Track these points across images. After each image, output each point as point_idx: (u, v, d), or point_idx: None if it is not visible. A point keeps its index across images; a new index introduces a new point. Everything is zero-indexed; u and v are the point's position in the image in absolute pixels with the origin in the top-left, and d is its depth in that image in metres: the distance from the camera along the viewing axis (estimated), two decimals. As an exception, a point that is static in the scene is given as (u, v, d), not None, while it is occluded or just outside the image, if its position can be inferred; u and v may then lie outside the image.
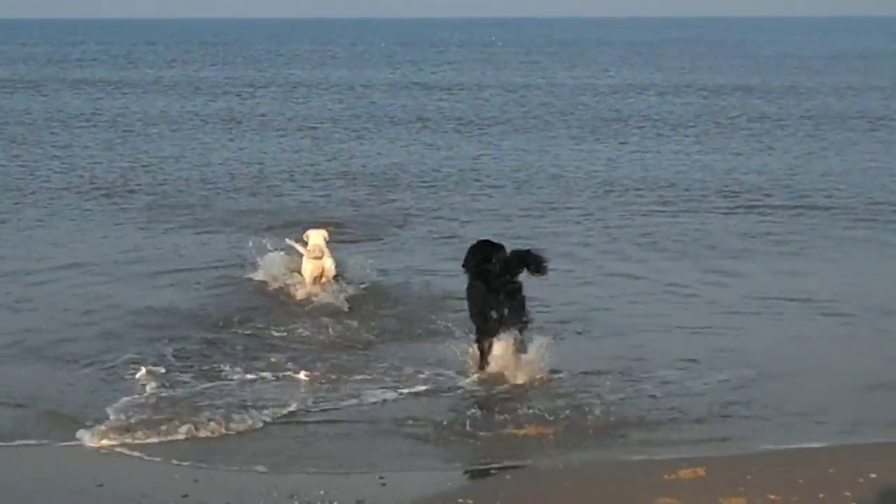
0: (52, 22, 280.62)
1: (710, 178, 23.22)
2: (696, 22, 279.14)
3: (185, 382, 10.39)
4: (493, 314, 10.33)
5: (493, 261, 10.42)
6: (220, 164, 25.97)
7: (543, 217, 19.38)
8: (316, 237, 14.14)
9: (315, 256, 14.07)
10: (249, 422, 9.35)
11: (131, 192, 21.86)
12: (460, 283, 11.11)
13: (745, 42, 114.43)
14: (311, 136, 31.54)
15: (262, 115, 37.74)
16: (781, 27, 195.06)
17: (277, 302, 13.57)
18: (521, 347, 10.39)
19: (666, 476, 8.11)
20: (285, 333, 12.18)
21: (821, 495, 7.76)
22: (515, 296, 10.35)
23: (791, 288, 14.29)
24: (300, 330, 12.27)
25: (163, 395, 10.02)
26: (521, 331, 10.37)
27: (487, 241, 10.85)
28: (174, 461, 8.60)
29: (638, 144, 29.40)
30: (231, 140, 30.90)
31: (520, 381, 10.29)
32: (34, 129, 33.26)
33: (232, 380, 10.49)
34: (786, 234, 17.79)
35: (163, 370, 10.68)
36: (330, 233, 14.54)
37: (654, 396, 10.15)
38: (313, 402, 9.89)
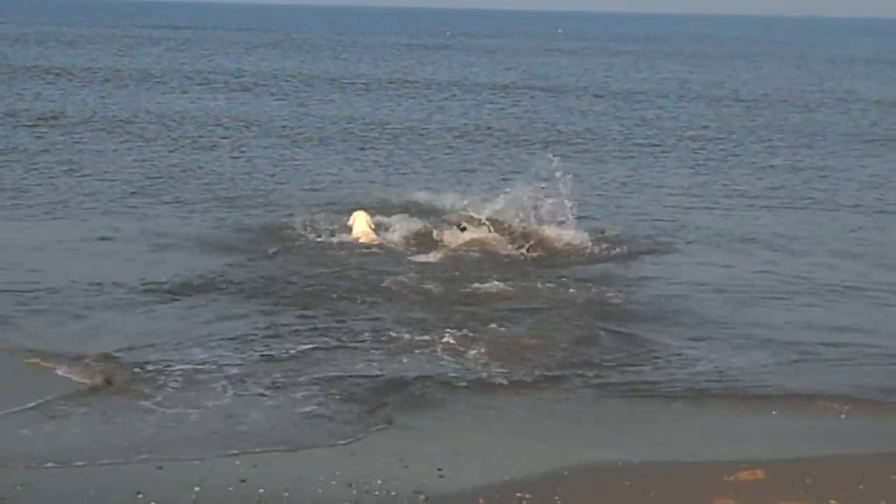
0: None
1: None
2: (697, 21, 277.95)
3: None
4: None
5: None
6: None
7: None
8: (360, 219, 15.89)
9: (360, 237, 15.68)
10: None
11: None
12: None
13: (810, 44, 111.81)
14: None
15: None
16: (794, 27, 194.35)
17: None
18: None
19: (725, 477, 8.11)
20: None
21: (882, 502, 7.76)
22: None
23: None
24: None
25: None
26: None
27: None
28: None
29: None
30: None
31: None
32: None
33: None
34: None
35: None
36: (370, 213, 16.17)
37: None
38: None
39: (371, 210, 16.92)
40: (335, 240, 15.98)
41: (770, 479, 8.08)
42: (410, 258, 15.24)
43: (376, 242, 15.78)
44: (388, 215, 17.22)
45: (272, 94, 42.35)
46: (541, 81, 52.26)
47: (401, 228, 16.54)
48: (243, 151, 26.37)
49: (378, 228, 16.24)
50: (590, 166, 25.14)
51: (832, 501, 7.74)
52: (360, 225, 15.91)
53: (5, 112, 32.14)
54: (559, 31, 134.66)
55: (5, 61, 53.14)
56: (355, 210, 16.52)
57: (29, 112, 32.40)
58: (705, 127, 33.94)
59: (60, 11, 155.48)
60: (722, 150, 28.69)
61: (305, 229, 16.44)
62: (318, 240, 16.04)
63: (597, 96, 44.19)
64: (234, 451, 8.52)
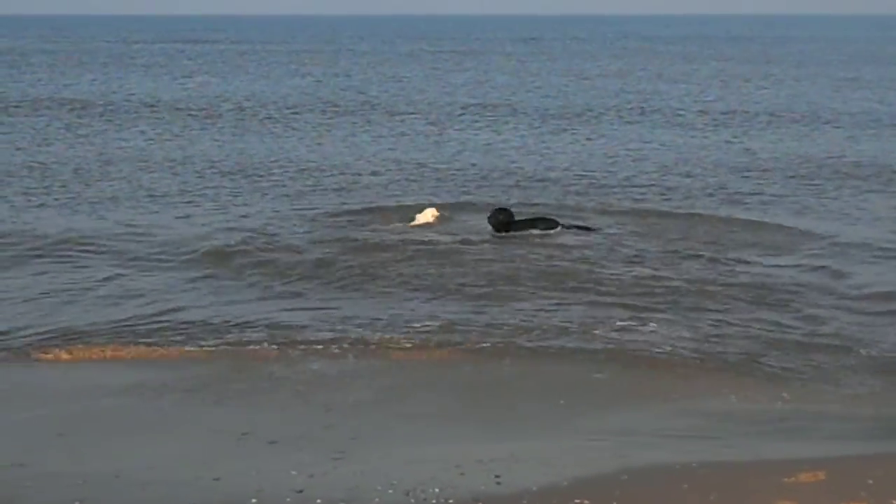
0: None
1: None
2: (695, 20, 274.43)
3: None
4: None
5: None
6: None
7: None
8: (425, 216, 18.04)
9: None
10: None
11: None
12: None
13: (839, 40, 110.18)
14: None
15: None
16: (793, 24, 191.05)
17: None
18: None
19: (785, 479, 8.03)
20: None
21: (941, 500, 7.64)
22: None
23: None
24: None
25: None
26: None
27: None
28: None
29: None
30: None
31: None
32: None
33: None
34: None
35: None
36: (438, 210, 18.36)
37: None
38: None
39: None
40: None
41: (831, 479, 7.98)
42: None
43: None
44: None
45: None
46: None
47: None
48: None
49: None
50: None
51: (894, 501, 7.63)
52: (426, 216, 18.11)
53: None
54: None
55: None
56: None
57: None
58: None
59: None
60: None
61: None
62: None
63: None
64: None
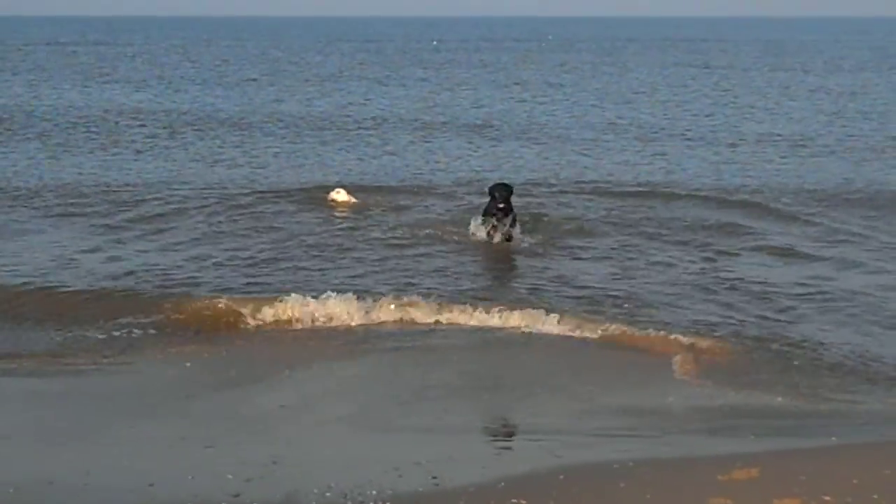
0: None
1: None
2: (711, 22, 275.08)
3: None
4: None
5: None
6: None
7: None
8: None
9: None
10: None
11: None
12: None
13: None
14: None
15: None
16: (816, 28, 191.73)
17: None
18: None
19: (720, 476, 8.10)
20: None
21: (874, 496, 7.76)
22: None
23: None
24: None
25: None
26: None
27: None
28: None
29: None
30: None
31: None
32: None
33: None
34: None
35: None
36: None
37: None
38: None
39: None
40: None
41: (765, 476, 8.07)
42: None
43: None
44: None
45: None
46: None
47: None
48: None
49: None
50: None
51: (826, 497, 7.73)
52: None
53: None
54: (549, 36, 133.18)
55: None
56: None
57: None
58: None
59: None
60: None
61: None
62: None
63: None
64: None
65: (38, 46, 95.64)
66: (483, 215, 16.79)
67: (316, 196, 20.33)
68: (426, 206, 19.81)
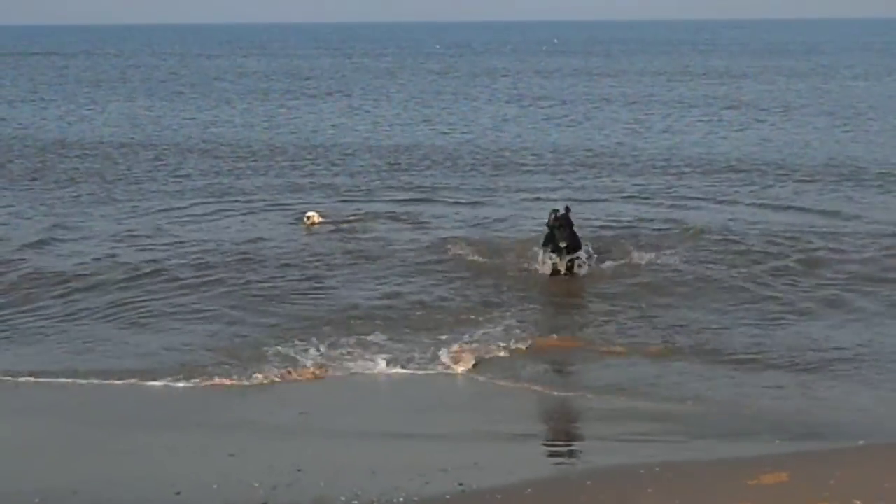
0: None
1: None
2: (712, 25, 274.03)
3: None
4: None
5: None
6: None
7: None
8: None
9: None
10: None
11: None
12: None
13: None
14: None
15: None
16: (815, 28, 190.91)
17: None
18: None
19: (748, 481, 8.05)
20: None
21: (902, 499, 7.70)
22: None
23: None
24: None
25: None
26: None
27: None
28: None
29: None
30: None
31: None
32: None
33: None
34: None
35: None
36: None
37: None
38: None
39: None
40: None
41: (794, 481, 8.02)
42: None
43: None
44: None
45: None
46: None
47: None
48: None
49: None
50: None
51: (857, 501, 7.68)
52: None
53: None
54: (555, 40, 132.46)
55: None
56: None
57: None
58: None
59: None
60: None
61: None
62: None
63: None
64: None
65: None
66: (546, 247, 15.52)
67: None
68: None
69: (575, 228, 15.43)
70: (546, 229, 15.51)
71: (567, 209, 15.65)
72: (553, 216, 15.41)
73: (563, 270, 15.29)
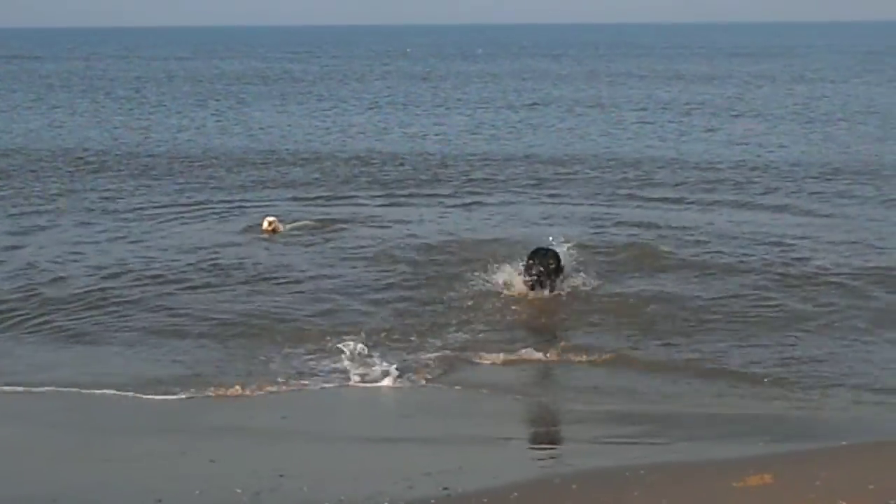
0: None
1: None
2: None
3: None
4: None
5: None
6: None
7: None
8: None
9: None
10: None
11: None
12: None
13: None
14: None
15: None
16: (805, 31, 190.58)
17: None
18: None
19: (734, 483, 8.03)
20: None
21: (892, 502, 7.70)
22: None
23: None
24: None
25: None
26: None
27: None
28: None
29: None
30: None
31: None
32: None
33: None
34: None
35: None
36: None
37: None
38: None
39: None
40: None
41: (779, 482, 8.01)
42: None
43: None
44: None
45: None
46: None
47: None
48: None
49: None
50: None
51: (842, 502, 7.67)
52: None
53: None
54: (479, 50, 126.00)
55: None
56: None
57: None
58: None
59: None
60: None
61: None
62: None
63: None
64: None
65: None
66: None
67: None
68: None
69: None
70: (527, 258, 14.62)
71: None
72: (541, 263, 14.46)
73: (547, 292, 14.45)
